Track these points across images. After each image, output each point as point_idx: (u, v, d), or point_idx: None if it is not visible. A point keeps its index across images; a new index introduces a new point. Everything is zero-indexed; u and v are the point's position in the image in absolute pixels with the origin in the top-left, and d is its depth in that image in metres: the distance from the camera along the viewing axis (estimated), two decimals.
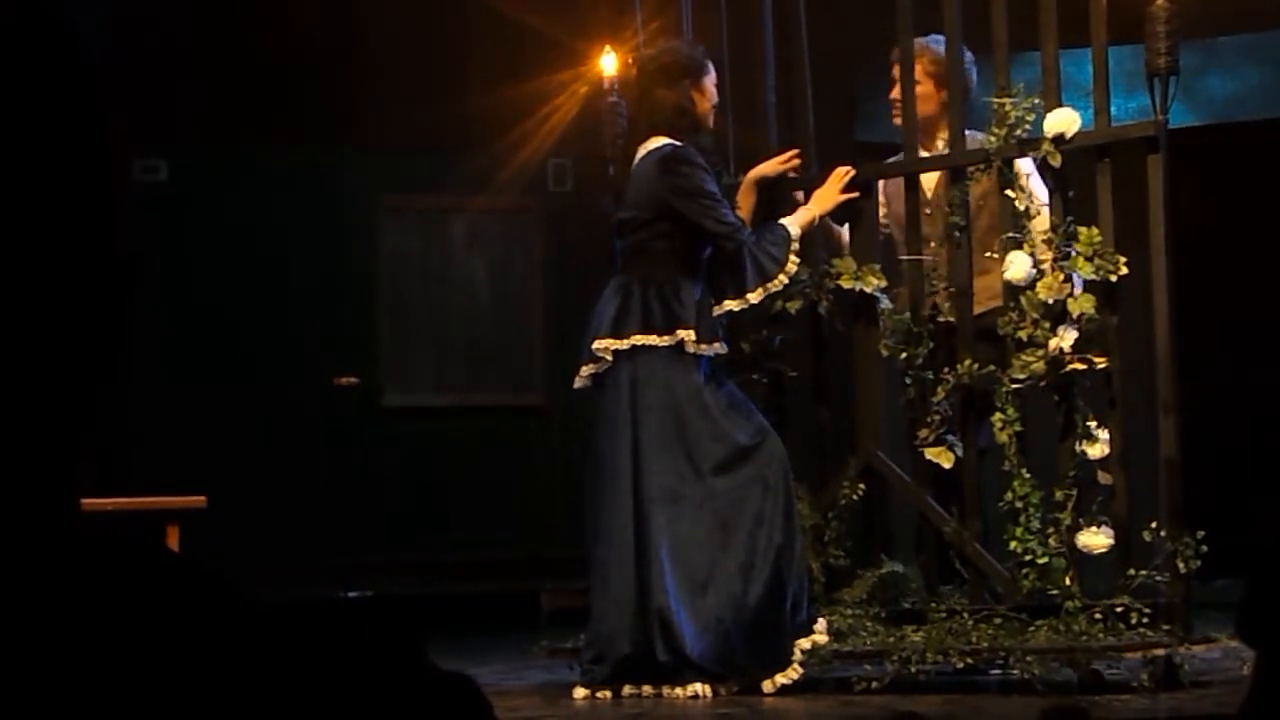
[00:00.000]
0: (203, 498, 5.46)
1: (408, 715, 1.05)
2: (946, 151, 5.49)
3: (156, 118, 8.14)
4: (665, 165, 5.38)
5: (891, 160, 5.65)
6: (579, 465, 8.16)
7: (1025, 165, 5.27)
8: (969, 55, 5.53)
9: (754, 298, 5.35)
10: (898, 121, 5.60)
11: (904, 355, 5.43)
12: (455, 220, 9.04)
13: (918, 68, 5.54)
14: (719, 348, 5.36)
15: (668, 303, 5.34)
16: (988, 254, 5.28)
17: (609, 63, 5.92)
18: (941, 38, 5.52)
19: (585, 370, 5.42)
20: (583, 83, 6.49)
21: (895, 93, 5.59)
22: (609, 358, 5.35)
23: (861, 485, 5.50)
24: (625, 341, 5.33)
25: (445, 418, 8.80)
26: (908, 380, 5.43)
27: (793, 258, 5.35)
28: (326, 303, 8.69)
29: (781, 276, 5.35)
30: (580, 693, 5.27)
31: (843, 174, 5.54)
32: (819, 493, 5.52)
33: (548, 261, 8.93)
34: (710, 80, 5.49)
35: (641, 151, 5.46)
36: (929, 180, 5.60)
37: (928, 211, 5.55)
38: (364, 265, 8.83)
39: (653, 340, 5.31)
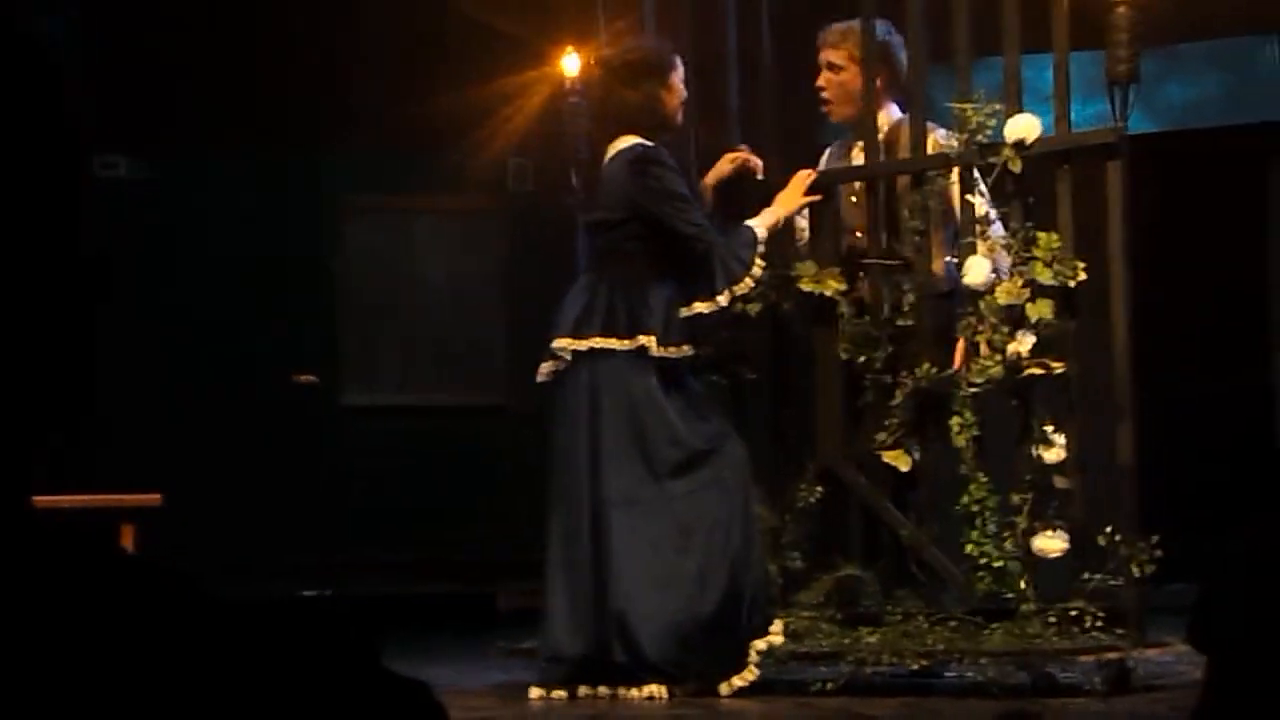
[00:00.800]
0: (158, 496, 5.43)
1: (362, 718, 1.05)
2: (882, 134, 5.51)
3: (117, 113, 8.10)
4: (635, 166, 5.38)
5: (851, 165, 5.65)
6: (538, 465, 8.18)
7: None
8: (897, 38, 5.55)
9: (722, 300, 5.35)
10: (826, 110, 5.61)
11: (863, 359, 5.44)
12: (417, 220, 9.03)
13: (843, 52, 5.55)
14: (684, 350, 5.36)
15: (633, 306, 5.33)
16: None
17: (571, 63, 5.92)
18: (884, 27, 5.53)
19: (545, 368, 5.42)
20: (545, 83, 6.49)
21: (822, 79, 5.59)
22: (568, 357, 5.35)
23: (819, 488, 5.51)
24: (584, 343, 5.33)
25: (406, 416, 8.79)
26: (866, 384, 5.44)
27: (758, 260, 5.36)
28: (288, 301, 8.66)
29: (748, 279, 5.35)
30: (535, 692, 5.27)
31: (805, 176, 5.55)
32: (777, 495, 5.53)
33: (509, 261, 8.93)
34: (677, 76, 5.47)
35: (611, 151, 5.45)
36: (860, 154, 5.61)
37: (854, 200, 5.57)
38: (327, 264, 8.81)
39: (612, 344, 5.31)
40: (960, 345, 5.32)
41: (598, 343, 5.31)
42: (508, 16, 7.77)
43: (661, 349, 5.30)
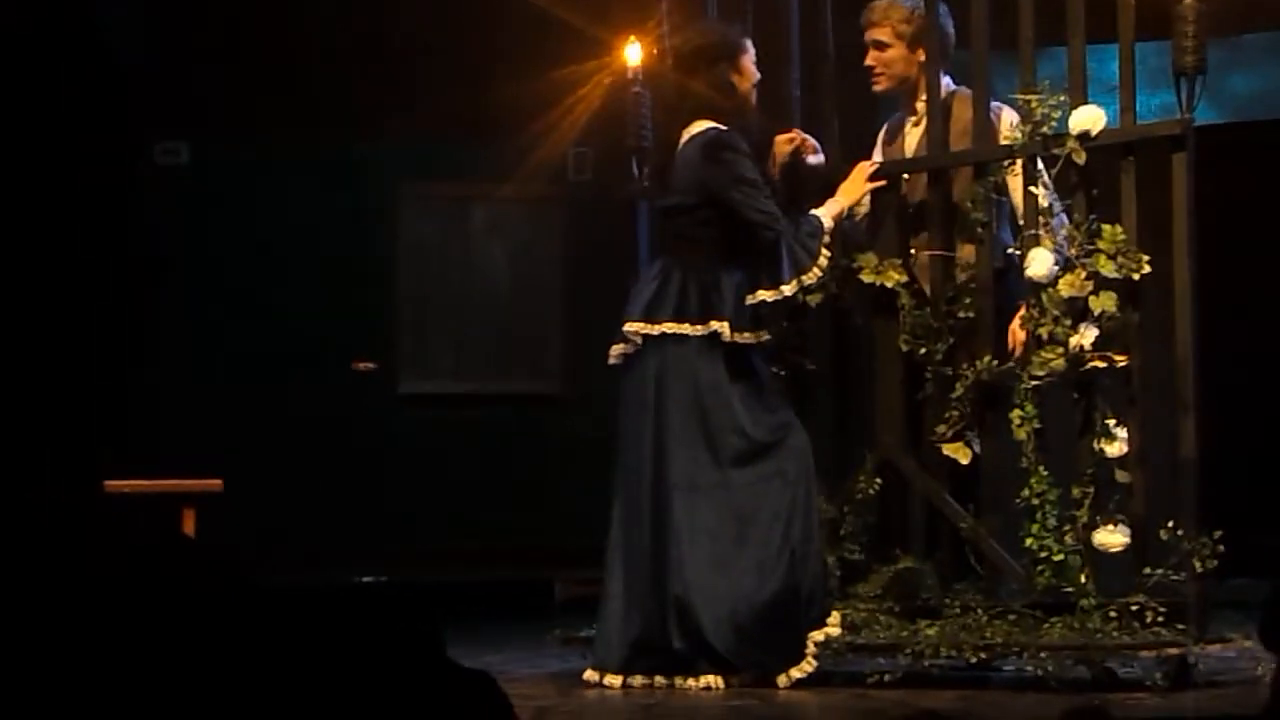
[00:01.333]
0: (219, 481, 5.47)
1: (428, 709, 1.05)
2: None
3: (180, 101, 8.15)
4: (707, 151, 5.38)
5: (915, 157, 5.62)
6: (593, 454, 8.19)
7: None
8: (943, 7, 5.53)
9: (788, 289, 5.34)
10: (877, 88, 5.59)
11: (923, 351, 5.42)
12: (476, 208, 9.05)
13: (886, 29, 5.55)
14: (754, 337, 5.35)
15: (706, 291, 5.33)
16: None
17: (633, 52, 5.91)
18: None
19: (615, 350, 5.42)
20: (606, 73, 6.48)
21: (870, 58, 5.58)
22: (639, 341, 5.35)
23: (879, 480, 5.50)
24: (656, 328, 5.33)
25: (462, 405, 8.81)
26: (927, 376, 5.42)
27: (825, 250, 5.35)
28: (346, 289, 8.70)
29: (815, 269, 5.34)
30: (590, 675, 5.28)
31: (867, 166, 5.54)
32: (837, 487, 5.52)
33: (567, 250, 8.93)
34: (748, 59, 5.48)
35: (685, 136, 5.45)
36: (910, 142, 5.60)
37: (906, 177, 5.56)
38: (385, 251, 8.84)
39: (685, 329, 5.31)
40: (1014, 327, 5.30)
41: (670, 328, 5.31)
42: (570, 5, 7.77)
43: (734, 335, 5.30)
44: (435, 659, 1.08)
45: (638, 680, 5.23)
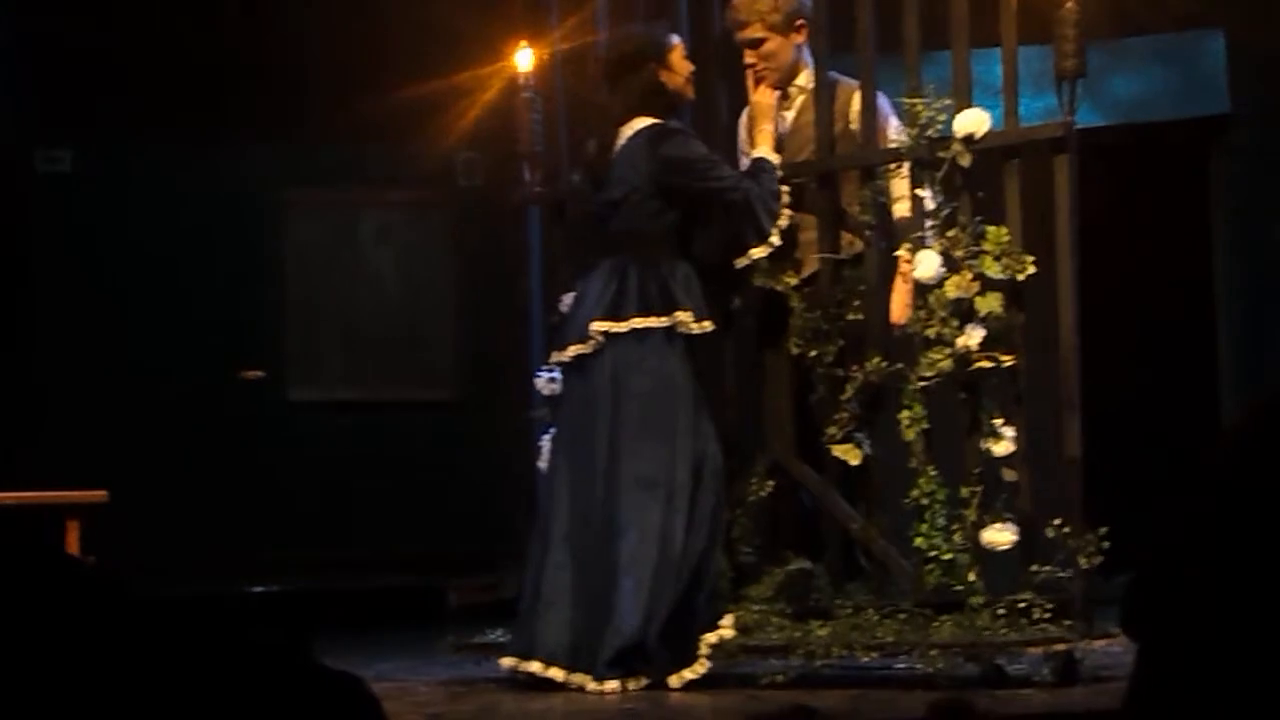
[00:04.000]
0: (103, 492, 5.40)
1: (292, 713, 1.04)
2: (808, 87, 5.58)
3: (60, 107, 8.05)
4: (652, 141, 5.41)
5: (803, 161, 5.65)
6: (485, 459, 8.17)
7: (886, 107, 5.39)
8: None
9: (775, 239, 5.40)
10: (765, 84, 5.62)
11: (813, 353, 5.45)
12: (364, 214, 9.00)
13: (758, 25, 5.61)
14: (709, 326, 5.38)
15: (665, 283, 5.35)
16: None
17: (524, 58, 5.91)
18: None
19: (573, 350, 5.41)
20: (496, 77, 6.48)
21: (749, 58, 5.62)
22: (601, 340, 5.35)
23: (770, 482, 5.53)
24: (624, 324, 5.33)
25: (352, 411, 8.76)
26: (816, 378, 5.45)
27: (783, 188, 5.43)
28: (233, 295, 8.62)
29: (785, 211, 5.41)
30: (507, 661, 5.28)
31: (764, 92, 5.58)
32: (727, 489, 5.54)
33: (457, 255, 8.91)
34: (677, 55, 5.52)
35: (627, 132, 5.46)
36: (789, 112, 5.66)
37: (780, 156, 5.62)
38: (272, 257, 8.77)
39: (649, 322, 5.32)
40: (895, 301, 5.35)
41: (637, 323, 5.32)
42: (459, 10, 7.75)
43: (696, 324, 5.33)
44: (299, 664, 1.07)
45: (554, 673, 5.19)
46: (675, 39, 5.55)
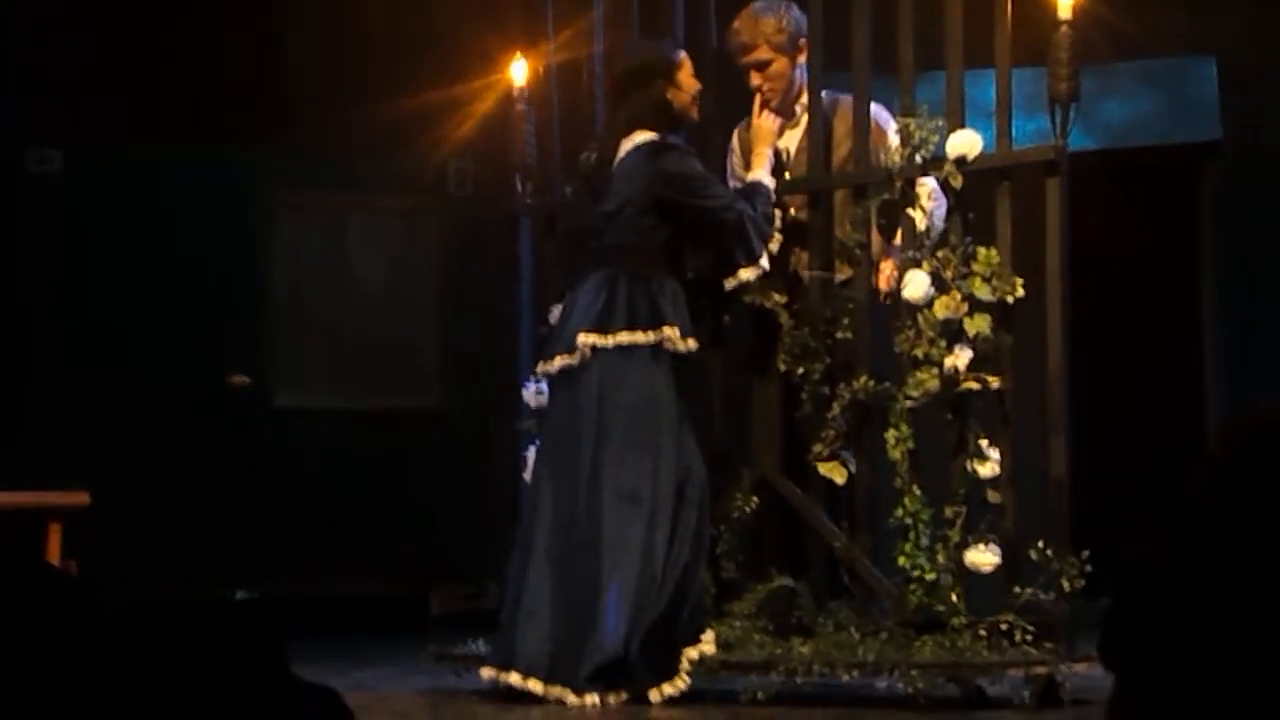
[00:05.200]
0: (85, 495, 5.38)
1: None
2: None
3: (52, 108, 8.03)
4: (652, 156, 5.42)
5: (795, 179, 5.66)
6: (469, 468, 8.16)
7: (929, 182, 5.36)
8: (798, 12, 5.60)
9: (765, 263, 5.42)
10: (771, 105, 5.64)
11: (801, 371, 5.46)
12: (353, 220, 8.98)
13: (764, 47, 5.61)
14: (695, 344, 5.38)
15: (654, 299, 5.35)
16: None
17: (519, 69, 5.92)
18: (771, 2, 5.62)
19: (559, 361, 5.41)
20: (490, 88, 6.48)
21: (755, 80, 5.63)
22: (589, 352, 5.35)
23: (755, 498, 5.53)
24: (610, 339, 5.33)
25: (338, 419, 8.74)
26: (804, 395, 5.46)
27: (776, 210, 5.45)
28: (221, 299, 8.60)
29: (776, 234, 5.44)
30: (487, 672, 5.28)
31: (767, 122, 5.61)
32: (712, 505, 5.54)
33: (445, 265, 8.90)
34: (685, 73, 5.52)
35: (626, 146, 5.47)
36: (787, 142, 5.68)
37: (787, 176, 5.62)
38: (260, 262, 8.75)
39: (638, 338, 5.32)
40: (882, 269, 5.36)
41: (624, 338, 5.32)
42: (454, 20, 7.75)
43: (682, 342, 5.33)
44: (275, 675, 1.07)
45: (533, 685, 5.19)
46: (683, 56, 5.55)
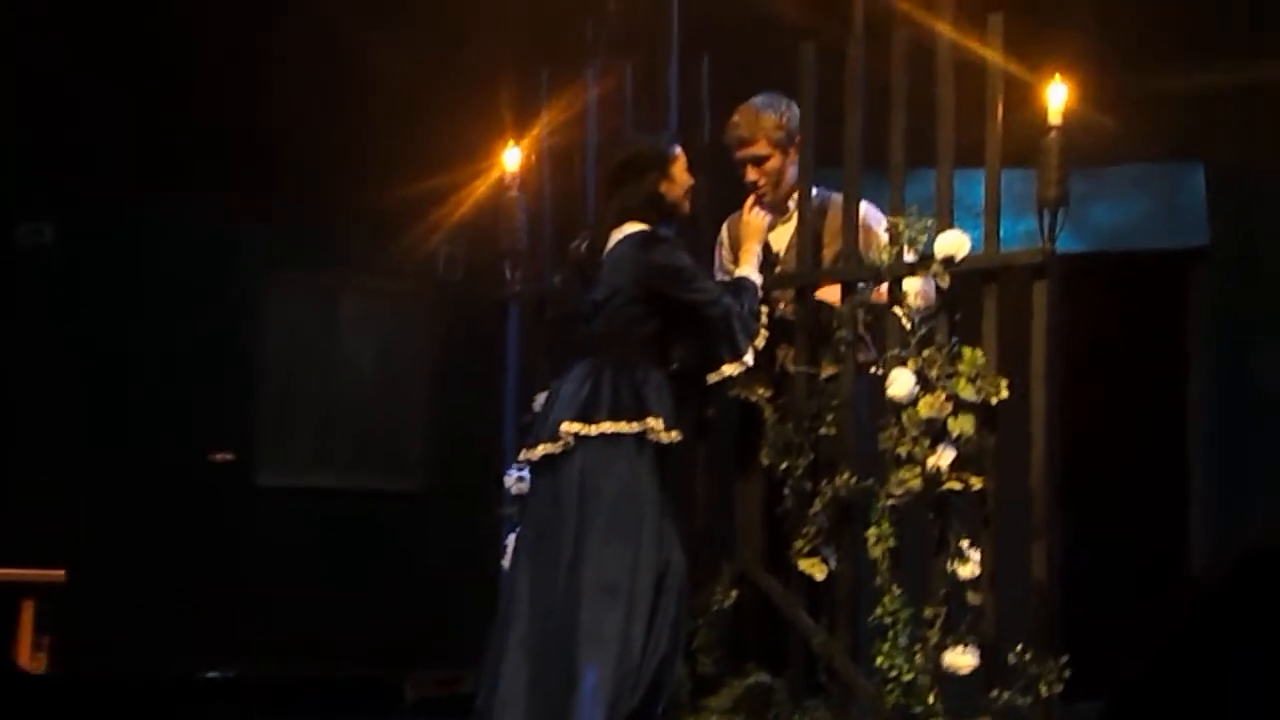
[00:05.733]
0: (61, 572, 5.35)
1: None
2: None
3: (45, 180, 8.05)
4: (641, 247, 5.42)
5: (790, 271, 5.68)
6: (451, 552, 8.13)
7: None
8: (795, 110, 5.63)
9: (748, 359, 5.41)
10: (766, 200, 5.70)
11: (784, 466, 5.45)
12: (344, 300, 9.00)
13: (763, 142, 5.65)
14: (679, 436, 5.37)
15: (638, 389, 5.34)
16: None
17: (511, 156, 5.95)
18: (771, 99, 5.63)
19: (542, 449, 5.39)
20: (483, 174, 6.51)
21: (752, 174, 5.68)
22: (571, 441, 5.33)
23: (735, 592, 5.51)
24: (594, 428, 5.31)
25: (321, 498, 8.72)
26: (786, 490, 5.45)
27: (763, 307, 5.46)
28: (209, 374, 8.59)
29: (763, 330, 5.44)
30: None
31: (756, 217, 5.64)
32: (692, 598, 5.51)
33: (433, 347, 8.91)
34: (679, 167, 5.52)
35: (617, 236, 5.48)
36: (778, 238, 5.70)
37: (778, 269, 5.63)
38: (249, 338, 8.75)
39: (620, 427, 5.30)
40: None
41: (607, 428, 5.31)
42: (450, 105, 7.80)
43: (666, 433, 5.32)
44: None
45: None
46: (679, 150, 5.57)
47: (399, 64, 8.15)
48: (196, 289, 8.61)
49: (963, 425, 5.13)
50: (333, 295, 8.99)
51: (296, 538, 8.58)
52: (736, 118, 5.70)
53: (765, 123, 5.65)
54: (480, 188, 6.68)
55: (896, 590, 5.17)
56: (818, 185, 5.66)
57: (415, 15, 8.31)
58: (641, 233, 5.46)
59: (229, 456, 8.55)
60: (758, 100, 5.71)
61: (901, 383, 5.20)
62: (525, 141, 6.02)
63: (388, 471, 8.87)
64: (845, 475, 5.33)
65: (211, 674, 7.79)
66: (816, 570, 5.36)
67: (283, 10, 8.41)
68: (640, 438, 5.32)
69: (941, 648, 5.08)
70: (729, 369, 5.42)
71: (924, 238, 5.30)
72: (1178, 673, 2.03)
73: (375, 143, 8.46)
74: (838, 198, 5.60)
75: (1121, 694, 2.14)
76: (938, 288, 5.25)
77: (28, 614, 5.24)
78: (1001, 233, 5.31)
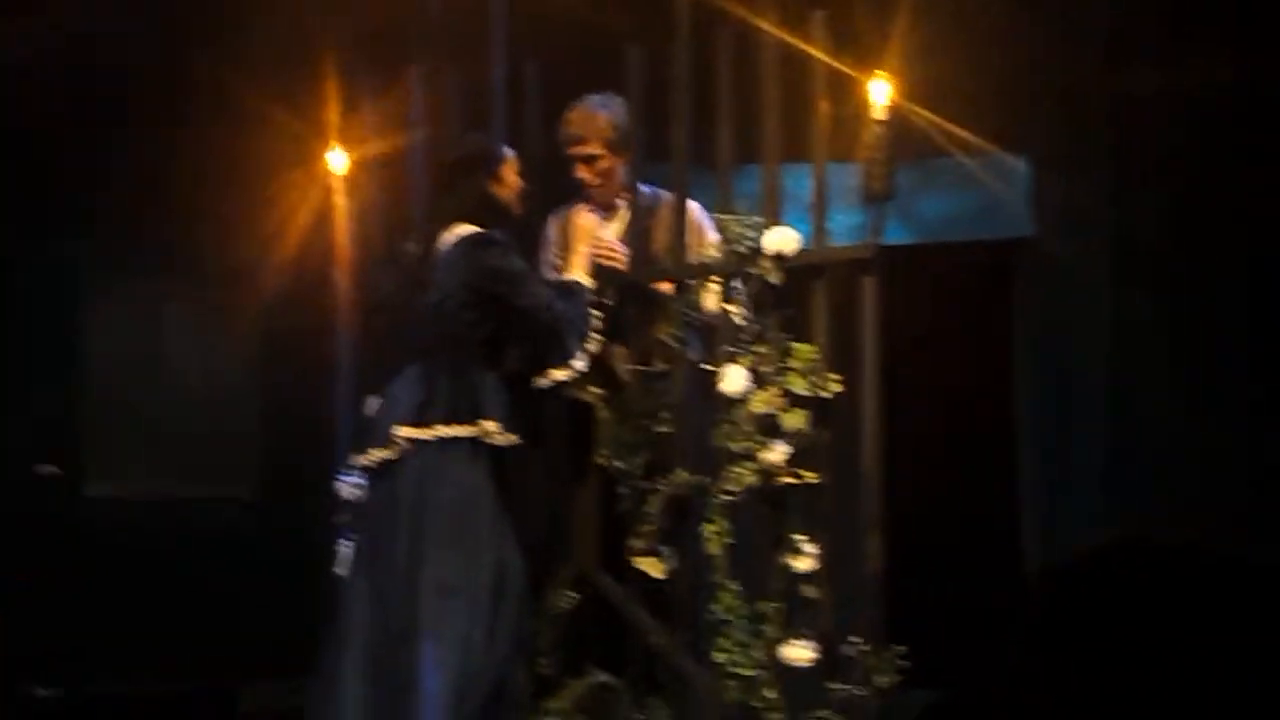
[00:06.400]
0: None
1: None
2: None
3: None
4: (468, 250, 5.38)
5: (618, 272, 5.68)
6: (287, 561, 8.03)
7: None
8: (619, 101, 5.64)
9: (579, 364, 5.36)
10: (599, 199, 5.71)
11: (620, 465, 5.45)
12: (169, 307, 8.85)
13: (596, 142, 5.66)
14: (515, 438, 5.33)
15: (473, 392, 5.30)
16: None
17: (338, 159, 5.89)
18: (606, 99, 5.64)
19: (377, 455, 5.33)
20: (309, 178, 6.43)
21: (583, 173, 5.70)
22: (407, 445, 5.28)
23: (574, 594, 5.50)
24: (430, 432, 5.26)
25: (152, 509, 8.57)
26: (622, 490, 5.45)
27: (594, 311, 5.43)
28: (30, 385, 8.41)
29: (595, 335, 5.40)
30: None
31: (582, 218, 5.63)
32: (532, 600, 5.49)
33: (263, 355, 8.79)
34: (509, 169, 5.51)
35: (449, 237, 5.43)
36: (615, 224, 5.71)
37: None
38: (72, 349, 8.58)
39: (455, 431, 5.25)
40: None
41: (443, 431, 5.25)
42: (274, 109, 7.70)
43: (503, 435, 5.27)
44: None
45: None
46: (510, 153, 5.56)
47: (221, 69, 8.04)
48: (13, 297, 8.42)
49: (796, 420, 5.17)
50: (157, 302, 8.83)
51: (129, 548, 8.42)
52: (571, 115, 5.70)
53: (599, 123, 5.66)
54: (306, 191, 6.61)
55: (734, 586, 5.19)
56: (647, 184, 5.66)
57: (239, 19, 8.20)
58: (474, 235, 5.43)
59: (55, 470, 8.37)
60: (593, 100, 5.71)
61: (734, 378, 5.23)
62: (350, 145, 5.96)
63: (220, 479, 8.75)
64: (680, 472, 5.34)
65: (42, 692, 7.63)
66: (653, 569, 5.37)
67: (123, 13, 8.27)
68: (476, 441, 5.29)
69: (779, 642, 5.11)
70: (558, 374, 5.39)
71: (753, 235, 5.33)
72: (1038, 660, 2.07)
73: (196, 145, 8.32)
74: (668, 196, 5.62)
75: (976, 682, 2.17)
76: (769, 284, 5.28)
77: None
78: (835, 226, 5.36)
